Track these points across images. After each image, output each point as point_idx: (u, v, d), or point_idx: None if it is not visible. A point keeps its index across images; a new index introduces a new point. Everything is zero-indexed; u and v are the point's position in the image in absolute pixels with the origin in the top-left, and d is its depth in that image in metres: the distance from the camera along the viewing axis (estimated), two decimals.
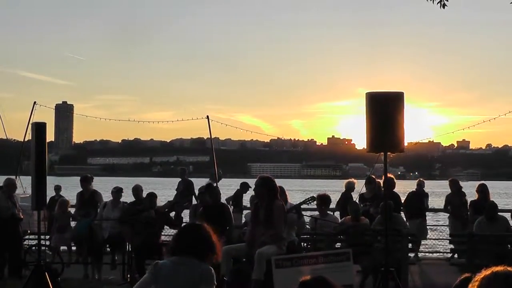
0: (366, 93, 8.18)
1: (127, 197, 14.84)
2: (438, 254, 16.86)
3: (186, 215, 14.97)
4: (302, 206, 11.10)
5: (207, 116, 20.76)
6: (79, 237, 13.38)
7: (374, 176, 14.65)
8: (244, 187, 16.41)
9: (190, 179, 18.52)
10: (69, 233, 13.62)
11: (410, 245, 11.92)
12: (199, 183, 15.42)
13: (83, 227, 13.40)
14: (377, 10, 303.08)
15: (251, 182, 12.21)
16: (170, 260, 5.33)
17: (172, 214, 13.77)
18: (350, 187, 15.17)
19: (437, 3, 9.78)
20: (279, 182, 10.15)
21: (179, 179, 18.54)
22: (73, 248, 13.86)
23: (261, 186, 9.53)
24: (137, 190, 13.87)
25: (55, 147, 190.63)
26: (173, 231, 14.91)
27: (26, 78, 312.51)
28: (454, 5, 9.97)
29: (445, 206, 15.43)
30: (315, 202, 11.52)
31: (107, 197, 14.26)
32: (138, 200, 13.56)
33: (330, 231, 11.57)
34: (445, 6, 9.81)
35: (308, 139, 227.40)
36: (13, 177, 14.88)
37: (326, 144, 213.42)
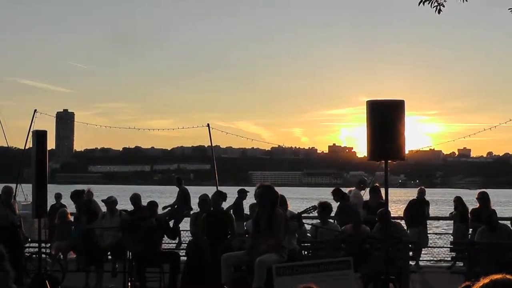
0: (367, 101, 8.19)
1: (127, 205, 14.81)
2: (440, 262, 16.83)
3: (186, 222, 14.96)
4: (302, 215, 11.11)
5: (208, 124, 20.83)
6: (74, 244, 13.33)
7: (378, 185, 14.66)
8: (242, 194, 16.41)
9: (186, 187, 18.51)
10: (68, 241, 13.60)
11: (410, 253, 11.90)
12: (200, 191, 15.40)
13: (76, 234, 13.39)
14: (377, 18, 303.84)
15: (252, 190, 12.20)
16: None
17: (171, 222, 13.74)
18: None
19: (434, 7, 9.82)
20: (279, 190, 10.13)
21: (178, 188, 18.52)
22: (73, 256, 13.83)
23: (262, 195, 9.53)
24: (135, 198, 13.81)
25: (56, 155, 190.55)
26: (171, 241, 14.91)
27: (27, 86, 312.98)
28: (453, 12, 10.05)
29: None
30: (316, 211, 11.52)
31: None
32: (137, 208, 13.51)
33: (331, 239, 11.55)
34: (440, 11, 9.86)
35: (309, 147, 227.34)
36: (12, 185, 14.87)
37: (327, 152, 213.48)
